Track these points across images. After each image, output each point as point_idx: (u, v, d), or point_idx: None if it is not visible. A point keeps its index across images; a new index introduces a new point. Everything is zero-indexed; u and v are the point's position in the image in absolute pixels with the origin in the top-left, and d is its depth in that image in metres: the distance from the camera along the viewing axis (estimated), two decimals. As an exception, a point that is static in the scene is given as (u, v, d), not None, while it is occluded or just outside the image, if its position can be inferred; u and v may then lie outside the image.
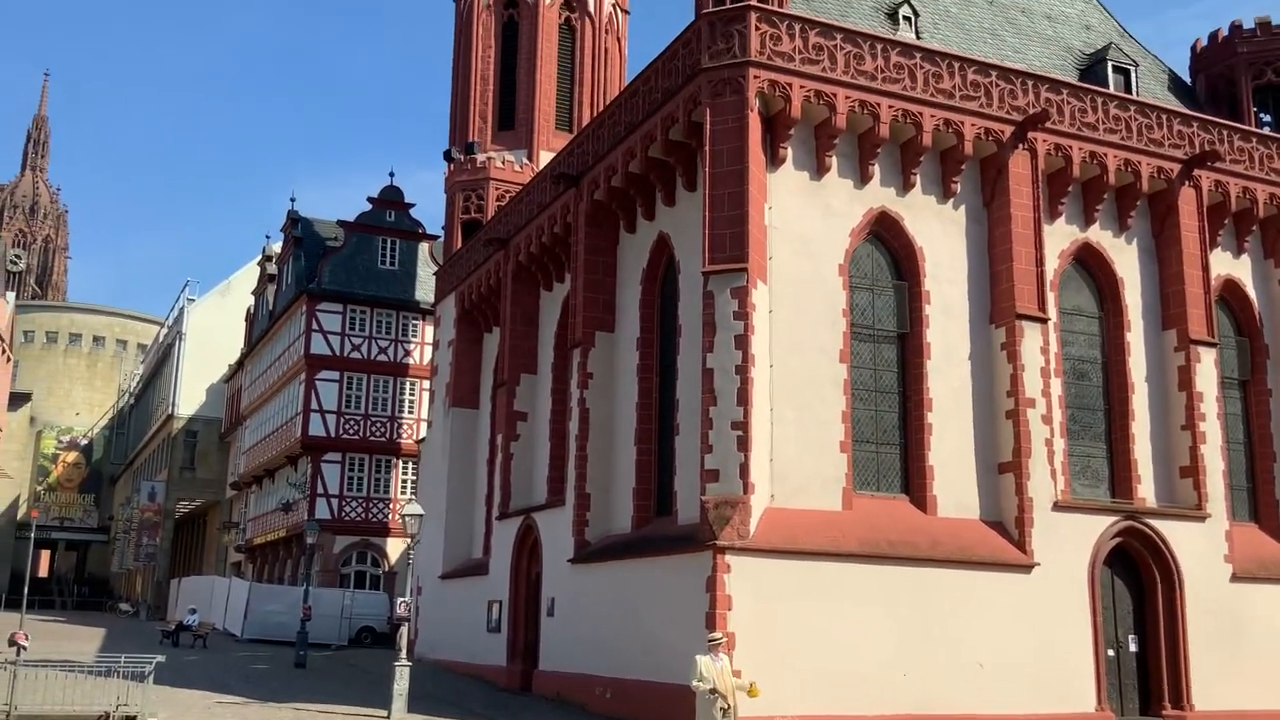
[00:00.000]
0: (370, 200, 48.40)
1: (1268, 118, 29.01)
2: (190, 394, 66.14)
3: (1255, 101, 28.47)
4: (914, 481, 21.80)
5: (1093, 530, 22.56)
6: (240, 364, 61.42)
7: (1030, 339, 22.36)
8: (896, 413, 22.18)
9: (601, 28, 40.67)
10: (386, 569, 45.68)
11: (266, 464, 51.28)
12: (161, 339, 78.05)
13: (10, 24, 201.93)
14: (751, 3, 21.52)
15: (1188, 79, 29.77)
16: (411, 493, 43.93)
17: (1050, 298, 23.15)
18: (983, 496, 21.97)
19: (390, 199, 48.61)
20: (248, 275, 64.60)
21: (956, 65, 23.00)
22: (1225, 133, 25.91)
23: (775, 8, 21.78)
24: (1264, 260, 26.90)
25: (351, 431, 45.58)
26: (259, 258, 60.38)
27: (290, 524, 46.13)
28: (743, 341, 19.99)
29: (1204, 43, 29.47)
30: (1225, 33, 28.95)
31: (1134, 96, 25.62)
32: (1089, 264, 24.61)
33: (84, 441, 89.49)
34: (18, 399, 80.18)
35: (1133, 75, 26.96)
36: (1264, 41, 28.35)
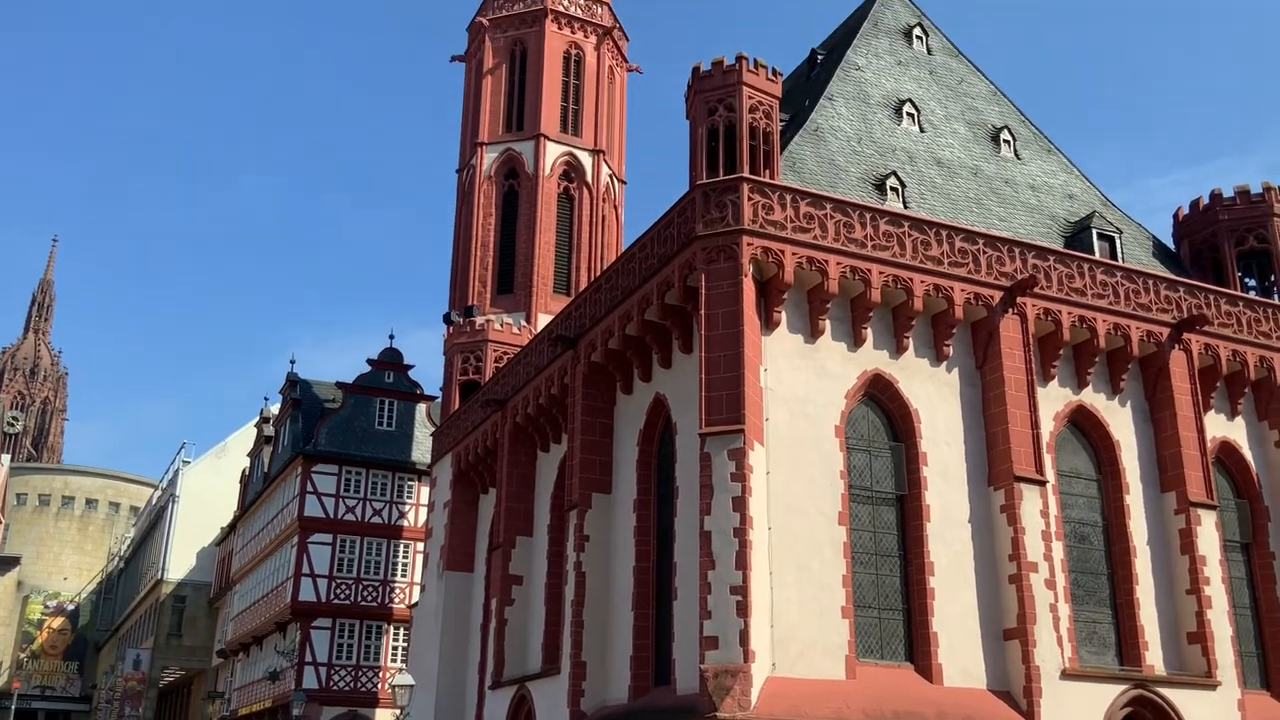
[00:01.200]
0: (369, 362, 48.83)
1: (1253, 282, 29.54)
2: (180, 558, 65.14)
3: (1239, 266, 29.01)
4: (918, 649, 21.30)
5: (1102, 700, 21.91)
6: (232, 527, 60.70)
7: (1029, 502, 22.22)
8: (898, 577, 21.85)
9: (599, 196, 41.85)
10: (375, 741, 44.03)
11: (255, 630, 50.08)
12: (154, 502, 77.36)
13: (21, 191, 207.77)
14: (744, 174, 22.24)
15: (1171, 244, 30.48)
16: (402, 660, 42.75)
17: (1047, 460, 23.13)
18: (989, 664, 21.42)
19: (389, 360, 49.02)
20: (244, 437, 64.53)
21: (944, 233, 23.60)
22: (1212, 297, 26.39)
23: (767, 179, 22.50)
24: (1258, 423, 26.99)
25: (343, 596, 44.66)
26: (256, 419, 60.42)
27: (277, 694, 44.71)
28: (740, 504, 19.85)
29: (1186, 210, 30.24)
30: (1206, 201, 29.74)
31: (1120, 262, 26.21)
32: (1084, 426, 24.68)
33: (70, 607, 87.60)
34: (6, 563, 78.96)
35: (1117, 242, 27.64)
36: (1244, 209, 29.10)
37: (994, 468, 22.65)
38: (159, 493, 76.48)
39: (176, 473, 67.02)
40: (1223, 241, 28.90)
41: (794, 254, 21.78)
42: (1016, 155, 30.13)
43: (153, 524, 73.49)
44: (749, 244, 21.48)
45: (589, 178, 41.64)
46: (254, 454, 59.12)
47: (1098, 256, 26.20)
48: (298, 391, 50.40)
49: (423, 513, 42.86)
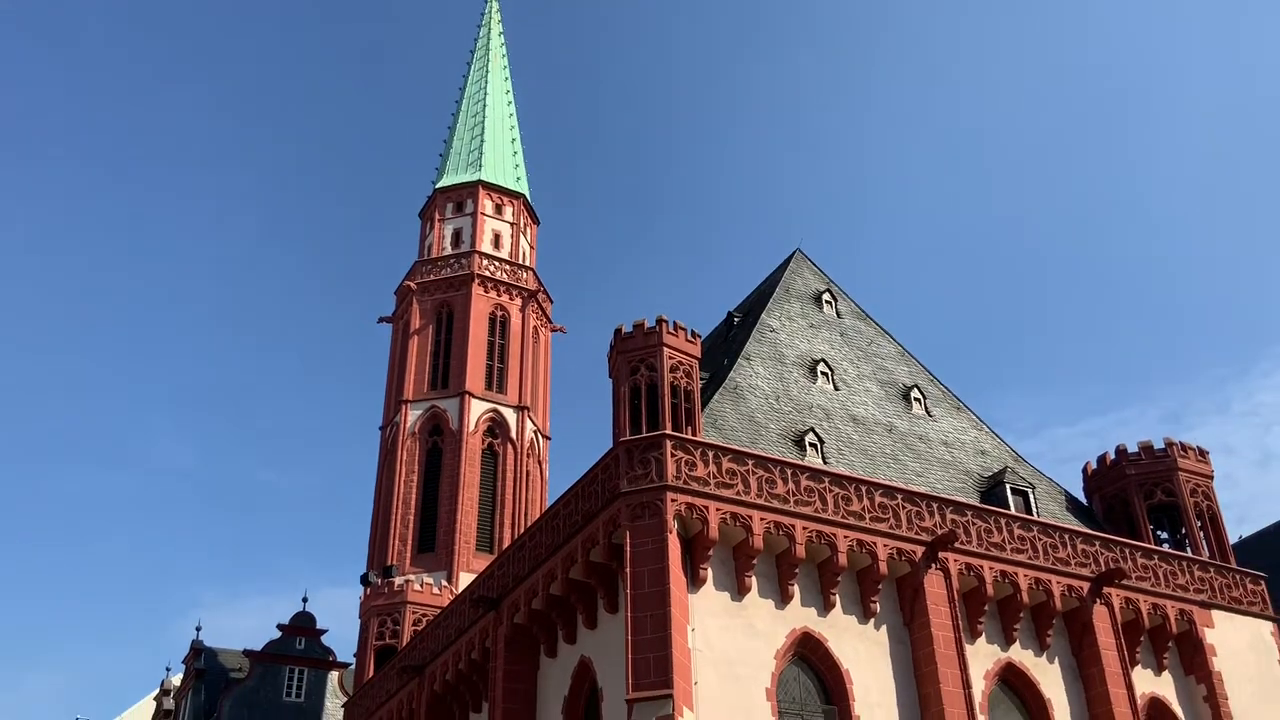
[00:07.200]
0: (280, 628, 46.78)
1: (1165, 534, 30.03)
2: None
3: (1151, 519, 29.55)
4: None
5: None
6: (120, 812, 55.92)
7: (967, 766, 21.51)
8: None
9: (523, 452, 41.94)
10: None
11: None
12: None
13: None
14: (667, 431, 22.54)
15: (1083, 498, 31.13)
16: None
17: (981, 720, 22.60)
18: None
19: (301, 625, 47.01)
20: (142, 711, 60.45)
21: (864, 488, 23.92)
22: (1127, 551, 26.80)
23: (689, 436, 22.81)
24: (1185, 677, 26.84)
25: None
26: (155, 692, 56.87)
27: None
28: (670, 778, 18.88)
29: (1094, 465, 31.00)
30: (1113, 456, 30.52)
31: (1035, 517, 26.66)
32: (1015, 684, 24.32)
33: None
34: None
35: (1031, 496, 28.20)
36: (1150, 463, 29.89)
37: (928, 730, 22.02)
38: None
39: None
40: (1132, 495, 29.52)
41: (718, 510, 21.81)
42: (928, 412, 31.07)
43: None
44: (673, 500, 21.50)
45: (513, 434, 41.86)
46: (150, 729, 55.31)
47: (1013, 511, 26.64)
48: (202, 661, 47.89)
49: (330, 792, 39.98)
